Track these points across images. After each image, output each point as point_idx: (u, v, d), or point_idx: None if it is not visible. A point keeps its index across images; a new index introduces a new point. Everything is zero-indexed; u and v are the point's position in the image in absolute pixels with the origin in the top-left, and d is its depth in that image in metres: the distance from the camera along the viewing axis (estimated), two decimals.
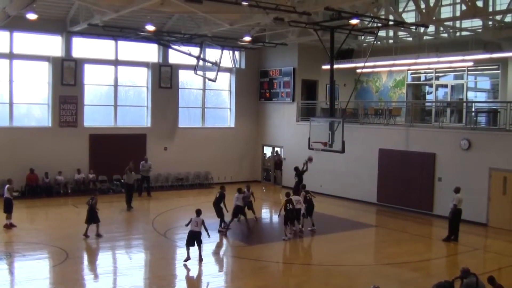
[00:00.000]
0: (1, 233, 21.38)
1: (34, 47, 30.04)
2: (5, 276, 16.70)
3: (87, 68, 31.41)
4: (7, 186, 22.67)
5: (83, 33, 29.57)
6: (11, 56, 29.54)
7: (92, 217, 20.78)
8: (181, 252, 18.64)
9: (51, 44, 30.47)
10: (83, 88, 31.35)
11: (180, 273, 17.34)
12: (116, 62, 32.32)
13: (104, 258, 19.15)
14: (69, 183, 30.32)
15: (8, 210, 22.03)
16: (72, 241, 20.09)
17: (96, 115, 32.29)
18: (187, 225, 18.24)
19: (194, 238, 17.92)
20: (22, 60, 29.93)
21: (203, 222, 18.04)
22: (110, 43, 31.70)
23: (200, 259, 17.88)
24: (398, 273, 17.40)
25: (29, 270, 17.02)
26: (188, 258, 17.72)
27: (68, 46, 30.68)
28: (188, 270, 17.30)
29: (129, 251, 20.06)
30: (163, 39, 30.85)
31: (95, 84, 32.28)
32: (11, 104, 29.81)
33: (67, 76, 30.69)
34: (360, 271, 17.71)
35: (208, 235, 18.28)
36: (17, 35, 29.44)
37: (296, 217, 21.68)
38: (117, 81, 32.56)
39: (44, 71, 30.56)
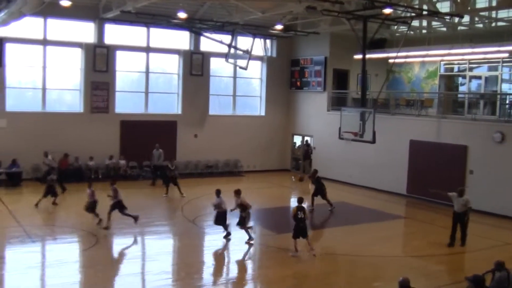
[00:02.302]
0: (34, 216, 21.68)
1: (67, 33, 30.27)
2: (37, 258, 16.97)
3: (119, 54, 31.60)
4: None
5: (115, 20, 29.71)
6: (44, 42, 29.83)
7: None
8: (209, 239, 18.74)
9: (84, 31, 30.67)
10: (115, 74, 31.57)
11: (208, 260, 17.44)
12: (147, 49, 32.45)
13: (133, 244, 19.32)
14: (100, 168, 30.59)
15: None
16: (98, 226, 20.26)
17: (127, 101, 32.44)
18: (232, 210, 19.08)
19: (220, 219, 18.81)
20: (56, 46, 30.20)
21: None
22: (142, 30, 31.83)
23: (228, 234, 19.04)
24: (424, 266, 17.25)
25: (59, 254, 17.25)
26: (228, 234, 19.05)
27: (100, 33, 30.88)
28: (215, 256, 17.37)
29: (157, 237, 20.19)
30: (195, 26, 30.87)
31: (127, 70, 32.46)
32: (44, 89, 30.16)
33: (99, 62, 30.91)
34: (386, 262, 17.62)
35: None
36: (51, 21, 29.70)
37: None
38: (148, 68, 32.72)
39: (76, 57, 30.81)
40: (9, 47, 29.12)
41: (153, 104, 33.05)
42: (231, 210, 19.10)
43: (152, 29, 32.05)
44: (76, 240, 19.28)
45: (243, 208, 18.79)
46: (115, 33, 31.25)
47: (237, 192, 19.03)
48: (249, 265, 17.58)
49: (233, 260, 17.51)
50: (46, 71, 30.07)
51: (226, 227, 19.14)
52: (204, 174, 33.46)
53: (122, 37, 31.59)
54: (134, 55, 32.40)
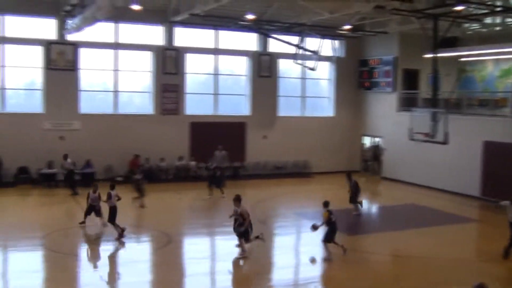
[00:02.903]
0: (106, 215, 22.12)
1: (138, 37, 30.89)
2: (111, 257, 17.35)
3: (188, 57, 32.01)
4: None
5: (184, 23, 30.12)
6: (116, 46, 30.54)
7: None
8: (279, 240, 18.74)
9: (154, 34, 31.23)
10: (185, 76, 31.99)
11: (278, 261, 17.42)
12: (216, 51, 32.76)
13: (203, 243, 19.50)
14: (170, 169, 31.04)
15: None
16: (174, 226, 20.56)
17: (196, 103, 32.80)
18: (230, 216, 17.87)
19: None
20: (127, 50, 30.88)
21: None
22: (211, 32, 32.17)
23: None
24: (497, 271, 16.74)
25: (133, 252, 17.58)
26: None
27: (170, 36, 31.39)
28: (286, 258, 17.34)
29: (228, 237, 20.29)
30: (262, 28, 30.98)
31: (196, 72, 32.85)
32: (115, 92, 30.88)
33: (169, 65, 31.42)
34: (458, 266, 17.17)
35: None
36: (122, 26, 30.40)
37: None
38: (217, 69, 33.01)
39: (147, 60, 31.40)
40: (82, 52, 29.95)
41: (222, 105, 33.32)
42: (229, 217, 17.80)
43: (220, 31, 32.33)
44: (149, 239, 19.62)
45: (243, 219, 16.92)
46: (184, 36, 31.68)
47: (237, 199, 17.13)
48: (318, 266, 17.46)
49: (304, 261, 17.44)
50: (117, 74, 30.77)
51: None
52: (273, 175, 33.46)
53: (191, 40, 31.99)
54: (203, 57, 32.77)
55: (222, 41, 32.76)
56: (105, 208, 19.43)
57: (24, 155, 28.52)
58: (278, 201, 26.21)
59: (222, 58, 33.19)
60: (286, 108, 35.31)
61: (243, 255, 16.61)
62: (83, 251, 18.21)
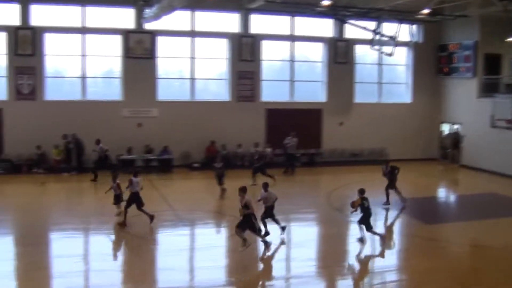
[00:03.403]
0: (185, 201, 22.45)
1: (214, 25, 31.07)
2: (187, 242, 17.58)
3: (264, 44, 31.99)
4: None
5: (260, 10, 30.12)
6: (192, 34, 30.84)
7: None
8: (355, 228, 18.50)
9: (230, 21, 31.35)
10: (261, 63, 32.01)
11: (353, 249, 17.22)
12: (292, 38, 32.59)
13: (278, 230, 19.47)
14: (246, 156, 31.17)
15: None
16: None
17: (272, 90, 32.79)
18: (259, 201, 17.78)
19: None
20: (203, 37, 31.12)
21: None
22: (286, 19, 32.03)
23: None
24: None
25: (208, 238, 17.76)
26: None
27: (246, 23, 31.44)
28: (361, 246, 17.13)
29: (304, 224, 20.25)
30: (338, 13, 30.60)
31: (272, 59, 32.81)
32: (192, 79, 31.22)
33: (245, 52, 31.49)
34: None
35: None
36: (199, 13, 30.64)
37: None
38: (293, 56, 32.85)
39: (223, 47, 31.56)
40: (160, 40, 30.42)
41: (298, 92, 33.17)
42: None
43: (296, 18, 32.14)
44: (224, 225, 19.76)
45: (246, 209, 15.95)
46: (260, 23, 31.66)
47: (242, 190, 16.18)
48: (394, 255, 17.17)
49: (378, 250, 17.18)
50: (194, 61, 31.09)
51: (276, 221, 17.80)
52: (349, 162, 33.09)
53: (267, 27, 31.92)
54: (278, 44, 32.70)
55: (298, 27, 32.54)
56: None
57: (104, 142, 29.16)
58: (354, 189, 25.83)
59: (298, 44, 32.99)
60: (363, 94, 34.81)
61: (246, 246, 15.59)
62: (161, 235, 18.50)
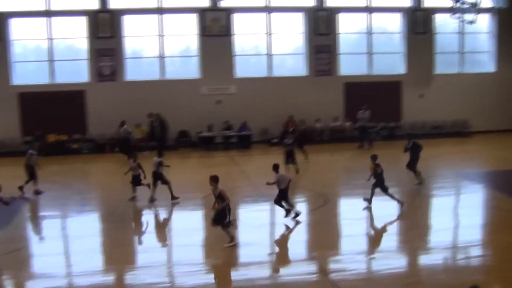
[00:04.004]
0: (264, 176, 22.31)
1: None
2: (267, 217, 17.62)
3: (341, 17, 31.52)
4: None
5: None
6: (268, 9, 30.72)
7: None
8: (438, 202, 18.09)
9: None
10: (337, 37, 31.58)
11: (437, 223, 16.78)
12: (368, 9, 31.98)
13: (360, 204, 19.25)
14: (325, 130, 30.94)
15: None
16: (331, 187, 20.45)
17: (350, 63, 32.35)
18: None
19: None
20: (278, 12, 30.96)
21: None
22: None
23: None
24: None
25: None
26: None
27: None
28: (445, 220, 16.71)
29: (386, 198, 19.90)
30: None
31: (348, 32, 32.32)
32: (269, 55, 31.13)
33: (321, 25, 31.15)
34: None
35: None
36: None
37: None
38: (370, 28, 32.24)
39: (298, 22, 31.29)
40: (235, 17, 30.54)
41: (376, 65, 32.58)
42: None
43: None
44: (305, 200, 19.69)
45: (222, 199, 14.31)
46: None
47: (213, 179, 14.41)
48: (477, 229, 16.64)
49: (464, 224, 16.70)
50: (270, 37, 30.97)
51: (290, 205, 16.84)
52: (431, 135, 32.31)
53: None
54: (355, 16, 32.15)
55: None
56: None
57: (184, 120, 29.71)
58: (436, 162, 25.28)
59: (375, 16, 32.33)
60: (443, 65, 33.85)
61: (232, 243, 14.31)
62: (241, 211, 18.61)
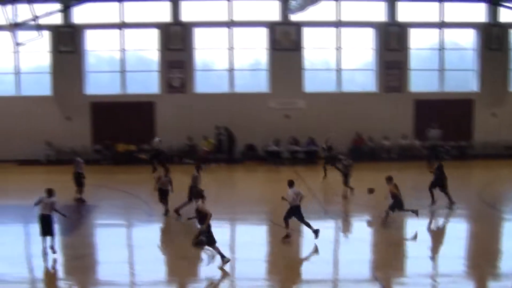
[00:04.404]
0: (329, 193, 22.22)
1: (360, 14, 30.53)
2: (331, 234, 17.40)
3: (412, 32, 30.99)
4: None
5: None
6: (338, 24, 30.52)
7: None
8: (509, 226, 17.48)
9: (376, 10, 30.69)
10: (408, 52, 31.05)
11: (508, 249, 16.16)
12: (441, 25, 31.24)
13: (424, 224, 18.78)
14: (393, 148, 30.42)
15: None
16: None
17: (420, 79, 31.72)
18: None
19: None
20: (349, 27, 30.73)
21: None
22: (435, 5, 30.80)
23: None
24: None
25: (354, 230, 17.47)
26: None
27: (392, 11, 30.61)
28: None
29: (452, 220, 19.39)
30: None
31: (420, 48, 31.76)
32: (338, 70, 30.91)
33: (392, 41, 30.75)
34: None
35: None
36: (344, 3, 30.31)
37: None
38: (443, 44, 31.52)
39: (369, 37, 30.97)
40: (305, 31, 30.41)
41: (448, 81, 31.83)
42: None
43: (445, 3, 30.82)
44: (366, 218, 19.36)
45: (202, 217, 13.96)
46: (407, 10, 30.69)
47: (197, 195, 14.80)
48: None
49: None
50: (340, 52, 30.75)
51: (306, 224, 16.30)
52: (504, 156, 31.17)
53: (415, 14, 30.85)
54: (426, 31, 31.57)
55: (448, 13, 31.13)
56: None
57: (251, 133, 29.78)
58: (509, 184, 24.44)
59: (447, 31, 31.59)
60: None
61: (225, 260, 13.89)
62: (306, 228, 18.44)
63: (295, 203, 16.02)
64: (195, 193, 15.49)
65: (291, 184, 16.30)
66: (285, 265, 14.24)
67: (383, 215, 17.38)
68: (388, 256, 15.04)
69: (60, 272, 14.37)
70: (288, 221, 16.08)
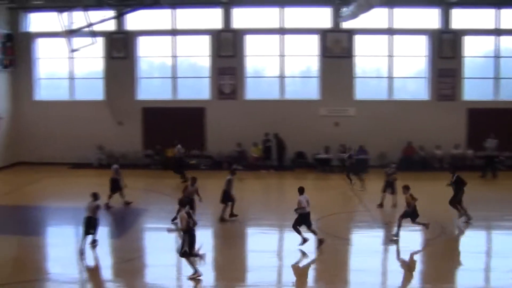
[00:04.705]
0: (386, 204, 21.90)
1: (412, 21, 30.11)
2: (381, 244, 17.14)
3: (467, 39, 30.37)
4: None
5: (462, 4, 28.84)
6: (390, 31, 30.15)
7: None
8: None
9: (429, 17, 30.22)
10: (462, 60, 30.46)
11: None
12: (497, 32, 30.47)
13: (479, 237, 18.38)
14: (445, 158, 29.86)
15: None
16: (446, 217, 19.59)
17: (474, 88, 31.01)
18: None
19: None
20: (401, 35, 30.32)
21: None
22: (490, 11, 30.11)
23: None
24: None
25: (406, 241, 17.17)
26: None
27: (446, 18, 30.03)
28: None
29: (505, 232, 18.89)
30: None
31: (475, 56, 31.11)
32: (390, 77, 30.57)
33: (445, 48, 30.17)
34: None
35: None
36: (397, 10, 29.92)
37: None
38: (498, 51, 30.73)
39: (421, 44, 30.52)
40: (357, 39, 30.19)
41: (503, 90, 31.01)
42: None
43: (502, 10, 30.05)
44: (420, 229, 19.01)
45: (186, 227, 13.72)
46: (462, 17, 30.07)
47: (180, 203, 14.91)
48: None
49: None
50: (392, 59, 30.40)
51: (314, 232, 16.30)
52: None
53: (469, 21, 30.19)
54: (481, 38, 30.91)
55: (504, 19, 30.33)
56: None
57: (301, 141, 29.68)
58: None
59: (503, 38, 30.81)
60: None
61: (195, 276, 13.62)
62: (355, 236, 18.27)
63: (306, 211, 16.06)
64: (180, 201, 15.14)
65: (301, 191, 16.37)
66: (331, 274, 14.14)
67: (395, 223, 17.20)
68: (439, 268, 14.73)
69: (109, 275, 14.59)
70: (299, 228, 16.12)
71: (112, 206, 20.89)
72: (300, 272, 14.39)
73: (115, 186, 21.14)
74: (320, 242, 15.96)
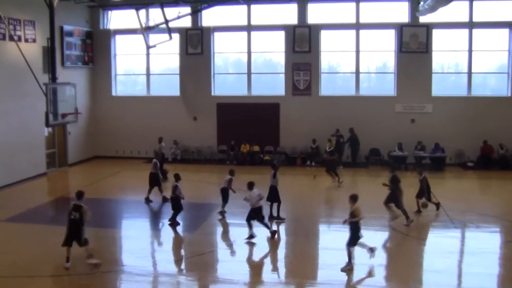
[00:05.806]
0: (456, 202, 21.35)
1: (493, 13, 29.07)
2: (458, 244, 16.71)
3: None
4: None
5: None
6: (471, 25, 29.26)
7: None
8: None
9: (510, 9, 29.11)
10: None
11: None
12: None
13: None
14: None
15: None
16: None
17: None
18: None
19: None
20: (480, 28, 29.34)
21: None
22: None
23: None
24: None
25: (481, 242, 16.71)
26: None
27: None
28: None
29: None
30: None
31: None
32: (469, 73, 29.68)
33: None
34: None
35: None
36: (477, 3, 29.00)
37: None
38: None
39: (504, 38, 29.45)
40: (435, 33, 29.41)
41: None
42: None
43: None
44: (499, 230, 18.42)
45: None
46: None
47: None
48: None
49: None
50: (471, 54, 29.50)
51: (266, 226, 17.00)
52: None
53: None
54: None
55: None
56: None
57: (376, 137, 29.25)
58: None
59: None
60: None
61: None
62: (430, 236, 17.88)
63: (258, 205, 16.57)
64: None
65: (251, 186, 16.88)
66: (403, 273, 13.89)
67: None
68: None
69: (183, 268, 14.80)
70: (251, 222, 16.61)
71: (152, 200, 21.56)
72: (370, 270, 14.16)
73: (154, 181, 21.79)
74: (272, 235, 16.71)
